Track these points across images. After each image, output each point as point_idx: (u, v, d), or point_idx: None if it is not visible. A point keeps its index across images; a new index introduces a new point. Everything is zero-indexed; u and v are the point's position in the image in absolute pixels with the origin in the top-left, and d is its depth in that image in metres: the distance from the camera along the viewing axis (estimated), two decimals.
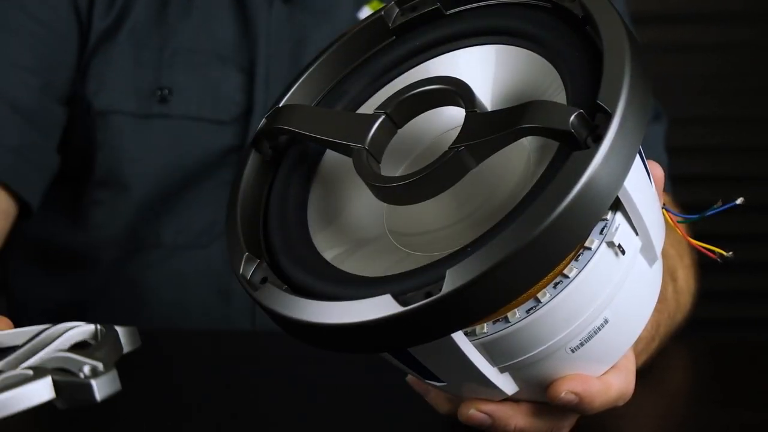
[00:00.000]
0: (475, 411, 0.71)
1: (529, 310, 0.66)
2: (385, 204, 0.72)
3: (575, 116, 0.62)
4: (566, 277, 0.66)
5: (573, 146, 0.62)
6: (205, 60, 1.18)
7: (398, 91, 0.71)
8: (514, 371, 0.69)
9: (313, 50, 1.17)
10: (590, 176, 0.61)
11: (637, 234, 0.68)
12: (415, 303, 0.62)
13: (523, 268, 0.61)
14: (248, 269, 0.69)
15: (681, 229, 0.76)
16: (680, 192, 1.17)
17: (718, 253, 0.76)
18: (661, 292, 0.73)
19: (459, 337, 0.66)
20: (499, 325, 0.67)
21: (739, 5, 1.94)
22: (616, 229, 0.67)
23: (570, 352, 0.68)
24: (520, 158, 0.69)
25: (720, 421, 0.82)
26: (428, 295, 0.62)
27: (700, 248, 0.76)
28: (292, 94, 0.76)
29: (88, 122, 1.17)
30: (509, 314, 0.66)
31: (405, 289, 0.63)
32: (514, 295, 0.63)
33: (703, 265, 1.05)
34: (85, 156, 1.18)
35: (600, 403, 0.71)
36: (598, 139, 0.62)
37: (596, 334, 0.68)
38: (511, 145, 0.66)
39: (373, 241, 0.72)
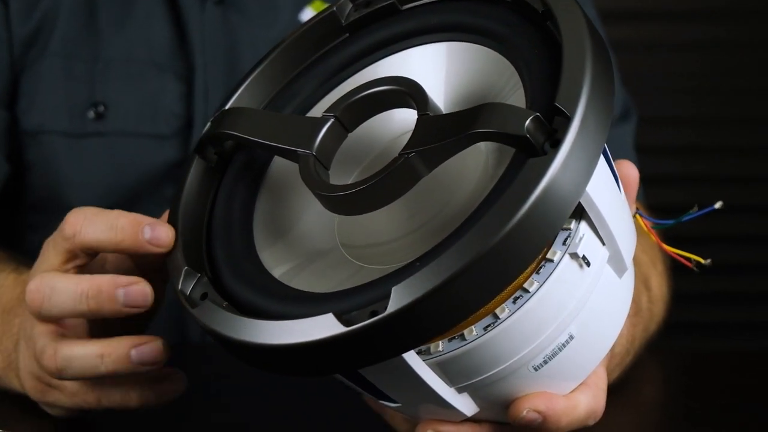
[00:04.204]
0: None
1: (486, 327, 0.62)
2: (337, 215, 0.68)
3: (531, 120, 0.58)
4: (526, 291, 0.62)
5: (529, 152, 0.58)
6: (141, 70, 1.11)
7: (347, 93, 0.67)
8: (473, 391, 0.65)
9: (250, 57, 1.10)
10: (548, 184, 0.57)
11: (603, 244, 0.64)
12: (359, 323, 0.58)
13: (477, 283, 0.57)
14: (188, 284, 0.65)
15: (655, 235, 0.72)
16: (653, 193, 1.13)
17: (695, 261, 0.72)
18: (635, 303, 0.69)
19: (411, 357, 0.62)
20: (455, 343, 0.62)
21: (716, 3, 1.91)
22: (580, 239, 0.63)
23: (533, 370, 0.64)
24: (476, 163, 0.65)
25: None
26: (373, 313, 0.58)
27: (676, 256, 0.73)
28: (239, 95, 0.72)
29: (18, 142, 1.11)
30: (465, 331, 0.62)
31: (349, 308, 0.59)
32: (468, 313, 0.58)
33: (675, 267, 1.01)
34: (17, 177, 1.12)
35: (567, 422, 0.67)
36: (556, 145, 0.58)
37: (561, 351, 0.64)
38: (467, 149, 0.62)
39: (325, 255, 0.68)
